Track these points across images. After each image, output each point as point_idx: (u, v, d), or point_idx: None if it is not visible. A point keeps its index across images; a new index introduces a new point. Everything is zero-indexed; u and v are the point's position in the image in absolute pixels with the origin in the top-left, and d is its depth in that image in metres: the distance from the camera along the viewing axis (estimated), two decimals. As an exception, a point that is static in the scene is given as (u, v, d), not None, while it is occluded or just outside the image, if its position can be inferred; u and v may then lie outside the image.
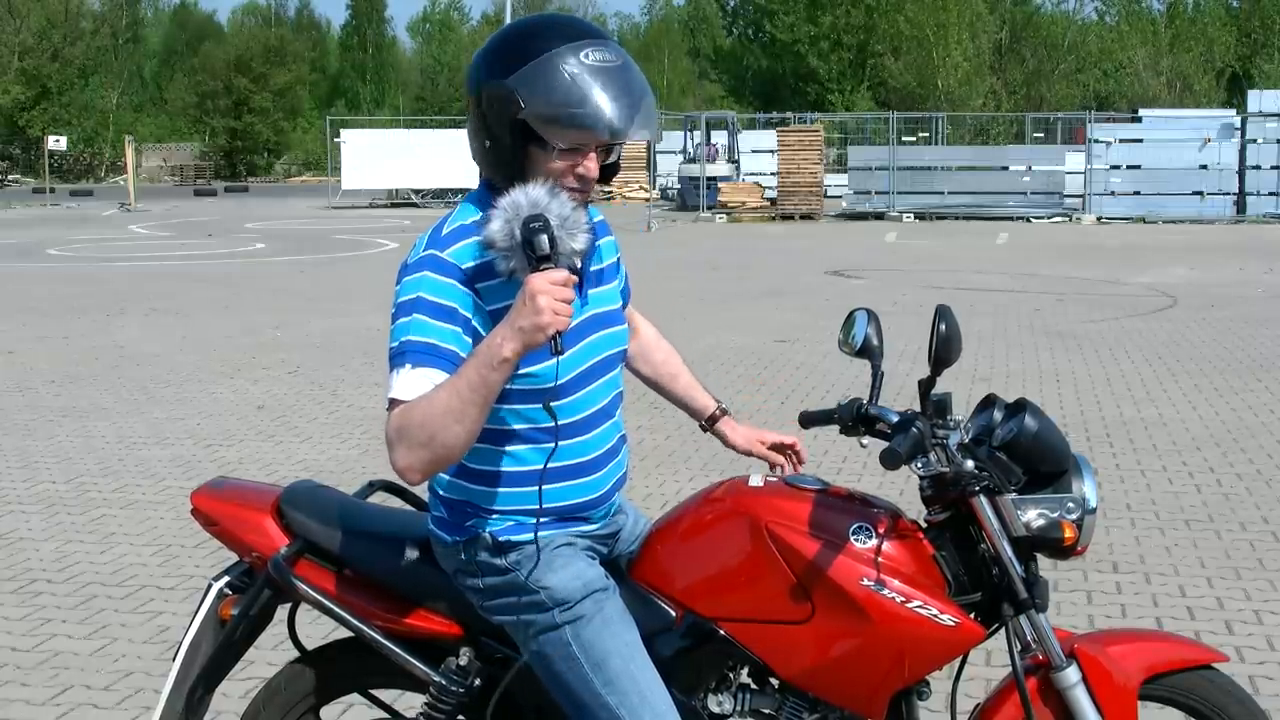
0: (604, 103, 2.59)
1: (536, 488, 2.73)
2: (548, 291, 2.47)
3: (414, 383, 2.58)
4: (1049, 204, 33.74)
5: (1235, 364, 11.44)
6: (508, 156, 2.65)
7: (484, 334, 2.63)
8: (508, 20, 42.57)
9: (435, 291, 2.63)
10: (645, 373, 3.32)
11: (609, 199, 42.41)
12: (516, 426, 2.73)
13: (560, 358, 2.57)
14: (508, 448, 2.74)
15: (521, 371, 2.63)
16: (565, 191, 2.62)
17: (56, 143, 42.54)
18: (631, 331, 3.20)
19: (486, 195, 2.74)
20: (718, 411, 3.28)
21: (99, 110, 70.89)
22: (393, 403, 2.61)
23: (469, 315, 2.64)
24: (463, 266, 2.65)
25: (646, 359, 3.30)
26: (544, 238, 2.50)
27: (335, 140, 42.39)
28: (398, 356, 2.62)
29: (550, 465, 2.72)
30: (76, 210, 39.89)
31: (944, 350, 2.79)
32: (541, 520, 2.77)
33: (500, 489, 2.76)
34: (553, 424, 2.70)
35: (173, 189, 56.36)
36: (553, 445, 2.71)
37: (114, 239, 27.95)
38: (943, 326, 2.79)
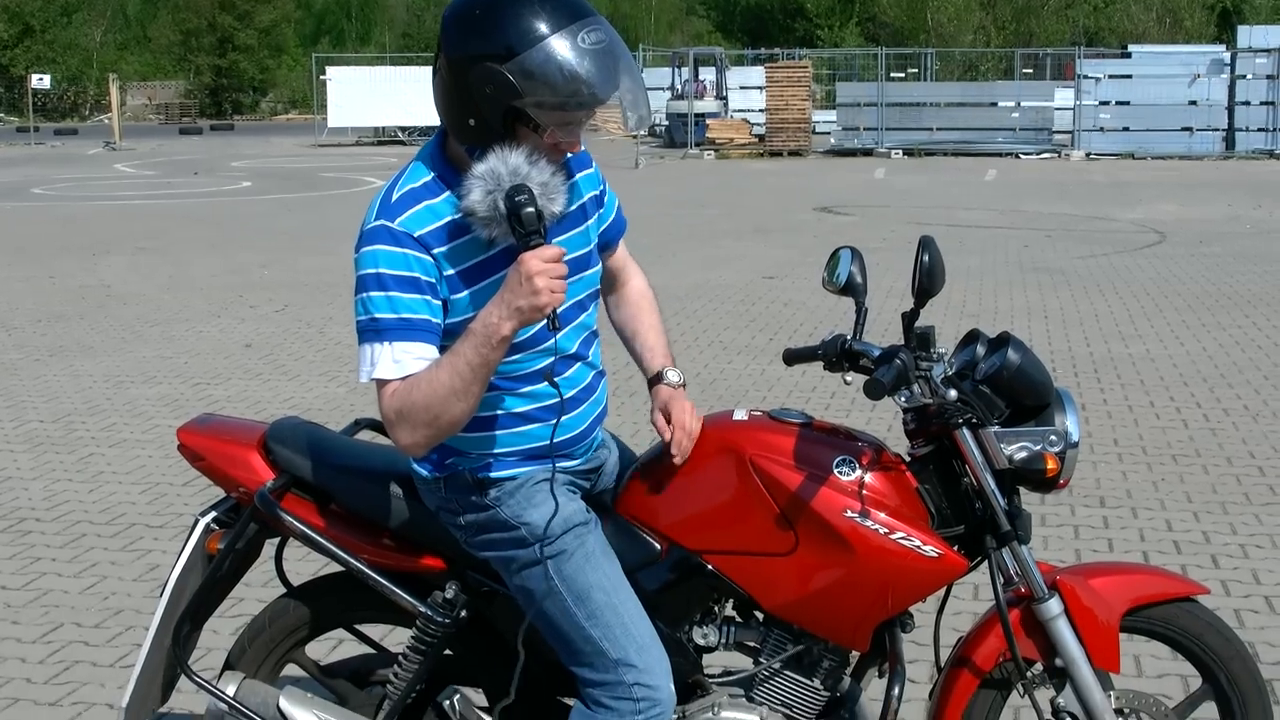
0: (599, 86, 2.57)
1: (513, 431, 2.76)
2: (543, 271, 2.48)
3: (397, 360, 2.60)
4: (1038, 140, 33.62)
5: (1223, 300, 11.45)
6: (495, 136, 2.58)
7: (448, 296, 2.65)
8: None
9: (393, 264, 2.61)
10: (614, 323, 3.15)
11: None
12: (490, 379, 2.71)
13: (558, 333, 2.61)
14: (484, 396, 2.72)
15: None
16: (544, 158, 2.59)
17: (40, 81, 42.21)
18: (623, 281, 3.11)
19: (440, 154, 2.72)
20: (653, 378, 3.00)
21: (83, 48, 70.33)
22: (378, 382, 2.62)
23: (432, 280, 2.63)
24: (415, 234, 2.63)
25: (616, 311, 3.14)
26: (531, 211, 2.50)
27: (321, 78, 42.06)
28: (371, 333, 2.62)
29: (524, 410, 2.76)
30: (61, 149, 39.65)
31: (927, 281, 2.78)
32: (520, 458, 2.78)
33: (475, 434, 2.76)
34: (524, 372, 2.73)
35: (158, 127, 55.97)
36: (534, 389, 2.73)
37: (99, 178, 27.77)
38: (926, 257, 2.78)
